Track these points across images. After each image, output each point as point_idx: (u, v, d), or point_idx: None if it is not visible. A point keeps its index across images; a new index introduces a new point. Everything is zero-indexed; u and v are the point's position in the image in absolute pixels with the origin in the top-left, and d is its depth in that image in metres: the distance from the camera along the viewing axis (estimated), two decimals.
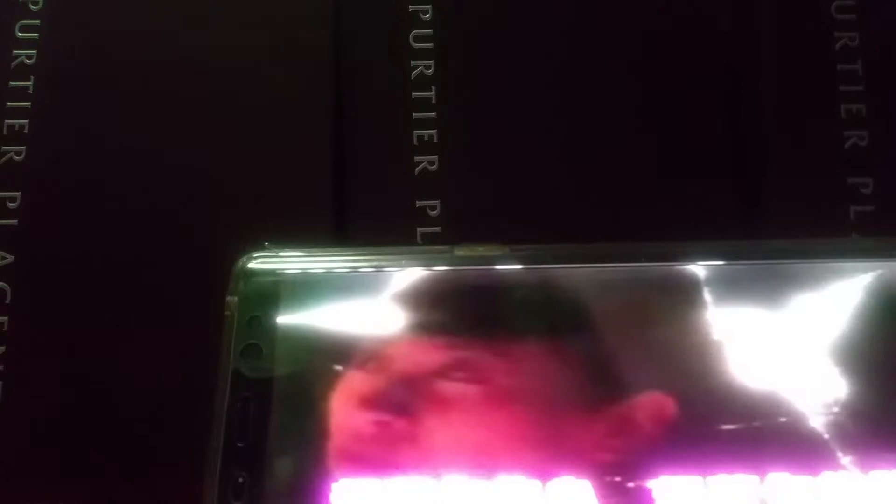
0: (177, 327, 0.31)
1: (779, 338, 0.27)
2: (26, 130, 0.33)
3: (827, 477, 0.25)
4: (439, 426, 0.26)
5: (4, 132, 0.33)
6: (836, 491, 0.24)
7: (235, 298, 0.27)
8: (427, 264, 0.28)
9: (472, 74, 0.34)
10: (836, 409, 0.25)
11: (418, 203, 0.33)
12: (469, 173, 0.33)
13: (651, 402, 0.25)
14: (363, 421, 0.26)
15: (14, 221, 0.32)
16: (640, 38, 0.35)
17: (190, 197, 0.33)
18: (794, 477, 0.25)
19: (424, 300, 0.27)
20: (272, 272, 0.27)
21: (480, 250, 0.28)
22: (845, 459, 0.25)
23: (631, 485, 0.24)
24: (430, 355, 0.27)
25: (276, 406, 0.26)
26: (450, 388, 0.26)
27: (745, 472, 0.24)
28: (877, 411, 0.26)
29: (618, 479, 0.24)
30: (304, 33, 0.35)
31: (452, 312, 0.27)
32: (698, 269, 0.27)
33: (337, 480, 0.25)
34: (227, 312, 0.27)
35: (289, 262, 0.28)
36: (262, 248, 0.28)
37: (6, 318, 0.32)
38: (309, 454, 0.25)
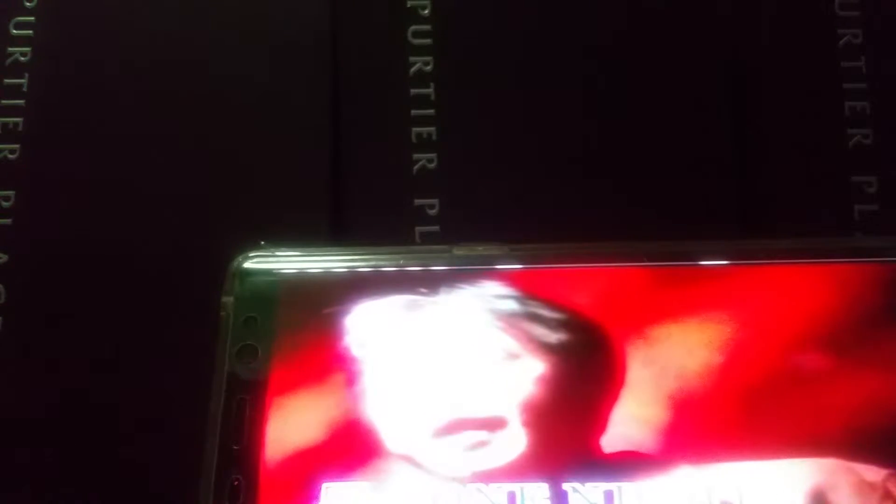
0: (173, 327, 0.31)
1: (782, 339, 0.26)
2: (20, 128, 0.33)
3: None
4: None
5: None
6: None
7: (231, 299, 0.27)
8: (425, 264, 0.28)
9: (471, 71, 0.34)
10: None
11: (417, 202, 0.33)
12: (468, 171, 0.33)
13: None
14: (360, 421, 0.26)
15: (8, 220, 0.32)
16: (641, 35, 0.35)
17: (186, 195, 0.33)
18: None
19: (422, 300, 0.27)
20: (268, 272, 0.27)
21: (480, 250, 0.28)
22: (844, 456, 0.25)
23: None
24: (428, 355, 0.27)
25: (272, 408, 0.25)
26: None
27: None
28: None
29: None
30: (303, 30, 0.34)
31: (451, 311, 0.27)
32: (701, 269, 0.27)
33: (332, 483, 0.25)
34: (222, 313, 0.26)
35: (285, 261, 0.28)
36: (259, 247, 0.28)
37: (0, 318, 0.31)
38: (305, 456, 0.25)
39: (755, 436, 0.25)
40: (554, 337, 0.27)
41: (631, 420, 0.25)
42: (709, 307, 0.27)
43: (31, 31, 0.34)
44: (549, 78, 0.34)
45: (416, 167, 0.33)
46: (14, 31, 0.34)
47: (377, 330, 0.27)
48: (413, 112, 0.34)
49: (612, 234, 0.28)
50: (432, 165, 0.33)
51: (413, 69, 0.34)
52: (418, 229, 0.33)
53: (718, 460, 0.25)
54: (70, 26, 0.34)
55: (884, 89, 0.34)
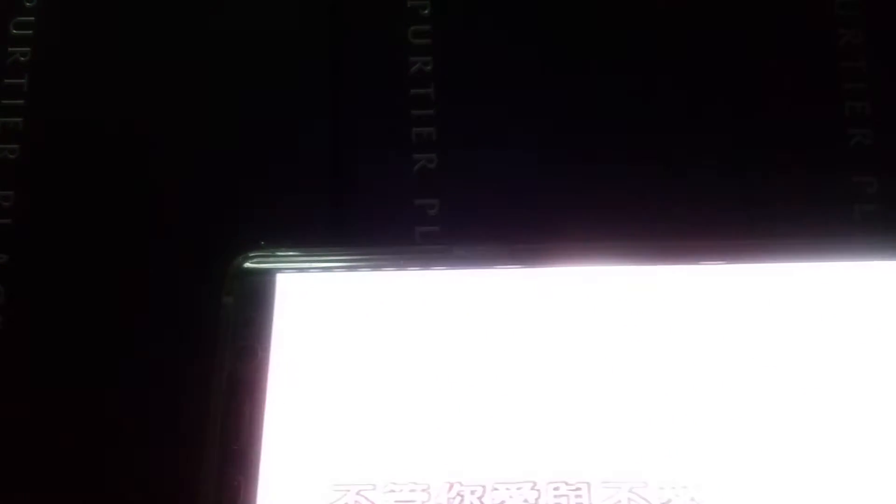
0: (173, 327, 0.31)
1: (782, 339, 0.26)
2: (20, 128, 0.33)
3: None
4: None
5: None
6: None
7: (231, 299, 0.27)
8: (426, 264, 0.28)
9: (471, 71, 0.34)
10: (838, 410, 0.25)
11: (417, 202, 0.33)
12: (468, 172, 0.33)
13: None
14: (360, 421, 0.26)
15: (8, 220, 0.32)
16: (641, 35, 0.35)
17: (186, 195, 0.33)
18: None
19: (422, 300, 0.27)
20: (268, 272, 0.27)
21: (480, 250, 0.28)
22: (844, 460, 0.25)
23: None
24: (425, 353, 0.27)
25: (272, 408, 0.25)
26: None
27: None
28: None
29: None
30: (303, 30, 0.34)
31: (451, 312, 0.27)
32: (701, 269, 0.27)
33: (333, 482, 0.25)
34: (222, 313, 0.26)
35: (285, 261, 0.28)
36: (259, 247, 0.28)
37: (0, 318, 0.31)
38: (305, 456, 0.25)
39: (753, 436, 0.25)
40: (553, 336, 0.27)
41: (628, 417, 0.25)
42: (709, 307, 0.27)
43: (31, 32, 0.34)
44: (549, 78, 0.34)
45: (416, 167, 0.33)
46: (14, 32, 0.34)
47: (377, 330, 0.27)
48: (413, 112, 0.34)
49: (612, 234, 0.28)
50: (432, 165, 0.33)
51: (413, 69, 0.34)
52: (418, 229, 0.33)
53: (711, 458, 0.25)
54: (70, 26, 0.34)
55: (884, 89, 0.34)
